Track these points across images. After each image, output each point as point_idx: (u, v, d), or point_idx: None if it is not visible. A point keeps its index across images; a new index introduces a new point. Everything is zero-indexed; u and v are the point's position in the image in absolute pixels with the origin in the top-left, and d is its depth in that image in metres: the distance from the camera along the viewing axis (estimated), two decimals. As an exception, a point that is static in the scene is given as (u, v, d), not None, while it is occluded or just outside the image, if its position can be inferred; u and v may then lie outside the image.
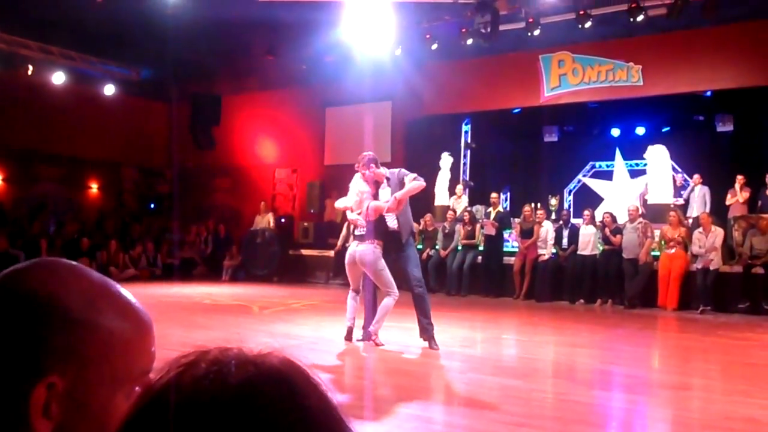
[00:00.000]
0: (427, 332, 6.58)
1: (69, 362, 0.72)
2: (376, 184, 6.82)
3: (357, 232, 6.74)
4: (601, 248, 11.61)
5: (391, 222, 6.70)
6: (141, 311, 0.81)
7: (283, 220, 15.57)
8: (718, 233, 10.69)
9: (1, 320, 0.73)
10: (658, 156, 12.65)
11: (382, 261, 6.53)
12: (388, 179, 6.78)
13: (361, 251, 6.57)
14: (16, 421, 0.69)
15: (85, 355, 0.73)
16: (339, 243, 13.63)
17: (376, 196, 6.77)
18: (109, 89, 15.52)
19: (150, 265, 14.94)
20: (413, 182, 6.62)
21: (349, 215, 6.84)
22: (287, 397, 0.53)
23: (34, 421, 0.69)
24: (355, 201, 6.79)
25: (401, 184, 6.69)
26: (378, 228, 6.62)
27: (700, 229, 10.84)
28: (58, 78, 14.65)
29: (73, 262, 0.82)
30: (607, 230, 11.45)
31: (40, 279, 0.76)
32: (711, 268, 10.48)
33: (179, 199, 15.96)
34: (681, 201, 12.59)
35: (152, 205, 17.91)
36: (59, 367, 0.72)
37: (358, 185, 6.81)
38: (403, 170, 6.86)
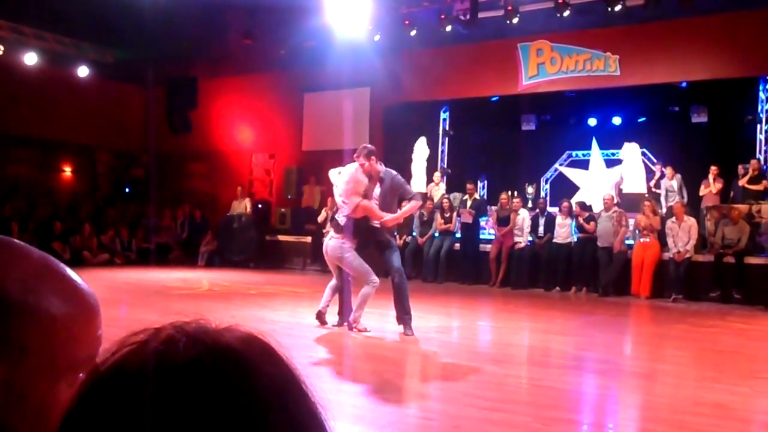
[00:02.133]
0: (403, 321, 6.60)
1: (6, 351, 0.66)
2: (370, 178, 6.78)
3: (338, 217, 6.66)
4: (576, 236, 11.74)
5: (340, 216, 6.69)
6: (87, 292, 0.73)
7: (260, 206, 15.49)
8: (691, 223, 10.84)
9: None
10: (631, 150, 12.85)
11: (351, 252, 6.51)
12: (381, 180, 6.72)
13: (331, 245, 6.61)
14: None
15: (24, 344, 0.67)
16: (320, 219, 13.61)
17: (369, 191, 6.72)
18: (83, 71, 15.26)
19: (124, 249, 14.80)
20: (413, 203, 6.82)
21: (337, 198, 6.69)
22: (238, 376, 0.50)
23: None
24: (346, 189, 6.59)
25: (394, 189, 6.70)
26: (361, 224, 6.58)
27: (673, 219, 10.98)
28: (31, 59, 14.37)
29: (9, 238, 0.74)
30: (579, 219, 11.58)
31: None
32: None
33: (155, 184, 15.79)
34: (660, 191, 12.71)
35: (127, 190, 17.71)
36: None
37: (357, 175, 6.59)
38: (398, 177, 6.85)
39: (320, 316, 6.83)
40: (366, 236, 6.65)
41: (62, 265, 0.74)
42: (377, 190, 6.71)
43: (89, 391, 0.52)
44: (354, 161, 6.72)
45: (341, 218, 6.63)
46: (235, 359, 0.51)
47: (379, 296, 6.78)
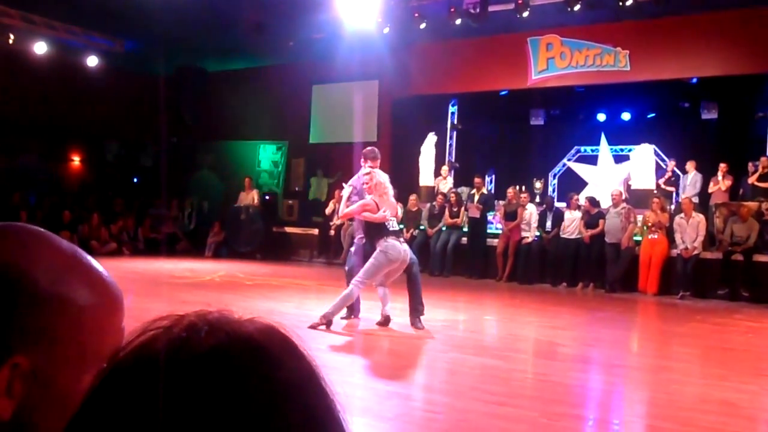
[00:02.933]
0: (417, 312, 6.59)
1: (36, 341, 0.67)
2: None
3: (393, 227, 6.47)
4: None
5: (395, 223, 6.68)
6: (112, 285, 0.75)
7: (267, 197, 15.51)
8: (699, 219, 10.78)
9: None
10: (643, 149, 12.81)
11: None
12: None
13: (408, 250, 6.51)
14: None
15: (53, 334, 0.68)
16: (328, 211, 13.66)
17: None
18: (93, 61, 15.26)
19: (132, 239, 14.85)
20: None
21: (380, 214, 6.40)
22: (258, 366, 0.50)
23: None
24: (378, 198, 6.45)
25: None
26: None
27: (682, 215, 10.94)
28: (40, 48, 14.39)
29: (39, 229, 0.75)
30: (585, 228, 11.51)
31: (4, 249, 0.70)
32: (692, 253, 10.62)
33: (163, 175, 15.83)
34: (676, 187, 12.68)
35: (135, 180, 17.76)
36: (25, 347, 0.66)
37: (385, 180, 6.54)
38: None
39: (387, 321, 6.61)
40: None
41: (88, 256, 0.75)
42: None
43: (110, 373, 0.52)
44: (366, 164, 6.78)
45: (395, 226, 6.56)
46: (256, 349, 0.51)
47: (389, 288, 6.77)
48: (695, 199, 11.79)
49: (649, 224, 11.02)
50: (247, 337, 0.52)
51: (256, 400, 0.49)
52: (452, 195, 12.88)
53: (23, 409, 0.66)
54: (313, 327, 6.28)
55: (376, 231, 6.42)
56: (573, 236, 11.69)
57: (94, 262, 0.75)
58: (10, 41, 13.76)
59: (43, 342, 0.68)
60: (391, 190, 6.56)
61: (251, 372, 0.50)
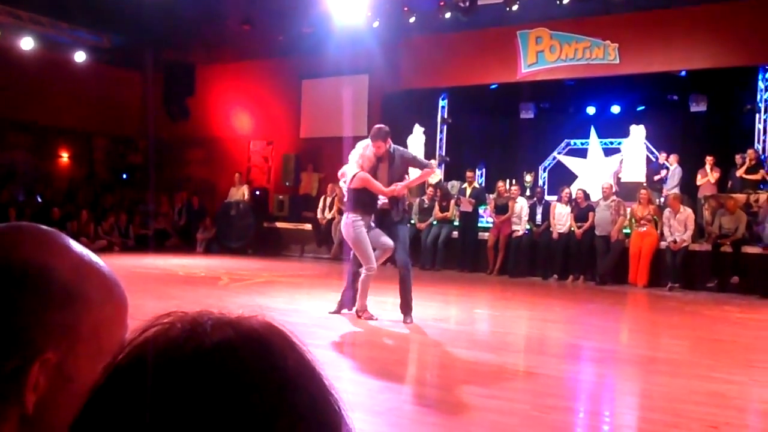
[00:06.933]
0: (404, 310, 6.60)
1: (63, 338, 0.70)
2: (380, 159, 6.54)
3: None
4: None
5: (381, 199, 6.53)
6: (119, 283, 0.78)
7: (257, 193, 15.47)
8: (687, 214, 10.83)
9: None
10: (636, 135, 12.83)
11: (359, 233, 6.35)
12: (391, 157, 6.52)
13: (342, 224, 6.54)
14: (6, 397, 0.67)
15: (78, 331, 0.71)
16: (320, 215, 13.70)
17: (373, 170, 6.48)
18: (80, 56, 15.18)
19: (122, 236, 14.78)
20: (426, 170, 6.66)
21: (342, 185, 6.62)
22: (263, 359, 0.51)
23: (26, 396, 0.68)
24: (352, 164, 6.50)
25: (404, 164, 6.55)
26: (367, 201, 6.42)
27: (669, 209, 10.99)
28: (27, 44, 14.29)
29: (50, 228, 0.77)
30: (575, 221, 11.53)
31: (30, 248, 0.72)
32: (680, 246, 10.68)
33: (152, 170, 15.76)
34: (659, 176, 12.75)
35: (125, 176, 17.67)
36: (54, 344, 0.69)
37: (364, 152, 6.40)
38: (407, 151, 6.78)
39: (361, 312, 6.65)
40: (376, 214, 6.52)
41: (94, 254, 0.79)
42: (384, 169, 6.60)
43: (115, 371, 0.53)
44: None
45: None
46: (261, 342, 0.53)
47: (377, 284, 6.76)
48: (676, 190, 11.84)
49: (638, 218, 11.07)
50: (251, 331, 0.53)
51: (265, 390, 0.50)
52: (438, 189, 12.86)
53: (44, 403, 0.69)
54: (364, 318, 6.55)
55: None
56: (563, 230, 11.72)
57: (100, 261, 0.78)
58: (-3, 37, 13.66)
59: (69, 339, 0.70)
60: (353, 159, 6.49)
61: (259, 363, 0.51)
